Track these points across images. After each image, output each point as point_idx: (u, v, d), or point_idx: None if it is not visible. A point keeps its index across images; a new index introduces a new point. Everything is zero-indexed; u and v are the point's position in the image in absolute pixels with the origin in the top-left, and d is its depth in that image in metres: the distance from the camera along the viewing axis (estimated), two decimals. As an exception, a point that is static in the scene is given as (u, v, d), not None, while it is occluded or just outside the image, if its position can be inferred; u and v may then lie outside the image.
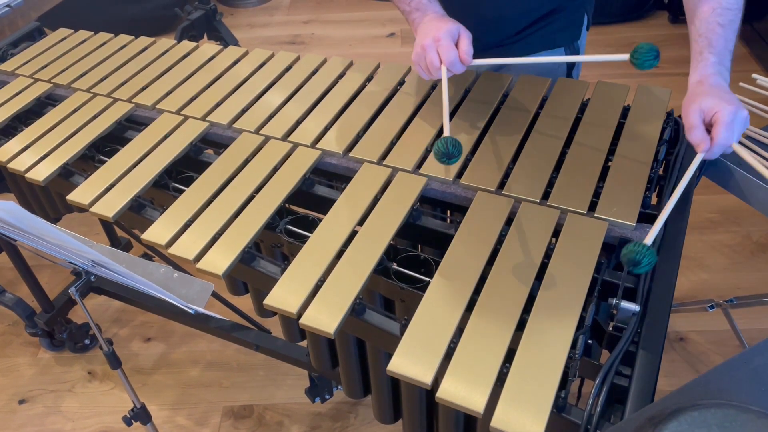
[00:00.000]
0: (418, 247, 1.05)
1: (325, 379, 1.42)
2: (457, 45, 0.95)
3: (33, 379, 1.78)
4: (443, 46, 0.94)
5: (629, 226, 0.87)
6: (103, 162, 1.11)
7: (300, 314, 0.80)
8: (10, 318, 1.94)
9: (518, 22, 1.16)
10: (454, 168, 0.98)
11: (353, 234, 0.90)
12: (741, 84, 1.37)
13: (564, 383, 0.70)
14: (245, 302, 1.36)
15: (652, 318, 0.76)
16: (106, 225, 1.94)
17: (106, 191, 1.04)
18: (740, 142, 1.21)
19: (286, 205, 0.99)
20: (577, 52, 1.22)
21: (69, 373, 1.79)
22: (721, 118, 0.81)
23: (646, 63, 0.80)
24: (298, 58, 1.32)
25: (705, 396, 0.56)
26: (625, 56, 0.83)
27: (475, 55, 1.11)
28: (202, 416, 1.66)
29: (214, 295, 1.46)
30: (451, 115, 1.10)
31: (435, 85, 1.18)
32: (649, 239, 0.74)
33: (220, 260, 0.88)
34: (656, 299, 0.78)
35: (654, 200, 0.94)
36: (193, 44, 1.41)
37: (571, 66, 1.23)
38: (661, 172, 1.00)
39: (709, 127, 0.83)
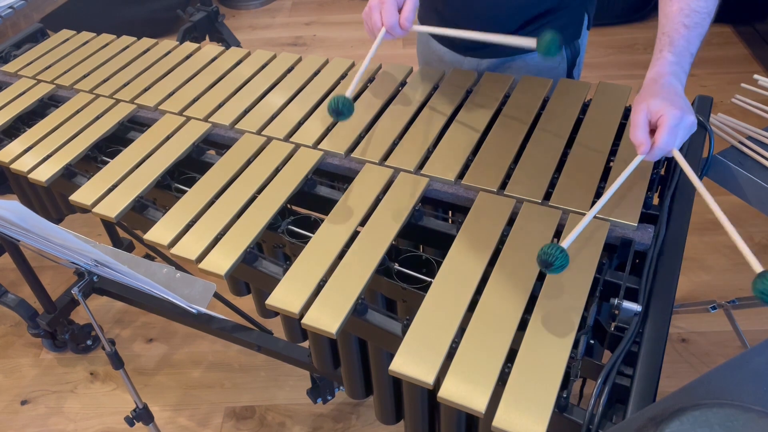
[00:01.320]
0: (419, 248, 1.05)
1: (326, 380, 1.42)
2: (400, 10, 1.01)
3: (35, 380, 1.78)
4: (386, 9, 1.00)
5: (631, 226, 0.87)
6: (105, 163, 1.11)
7: (302, 314, 0.80)
8: (12, 319, 1.95)
9: (516, 19, 1.16)
10: (456, 168, 0.98)
11: (355, 234, 0.90)
12: (743, 85, 1.37)
13: (566, 383, 0.70)
14: (247, 303, 1.36)
15: (654, 318, 0.76)
16: (109, 226, 1.94)
17: (108, 192, 1.04)
18: (741, 143, 1.22)
19: (288, 206, 1.00)
20: (578, 51, 1.22)
21: (71, 374, 1.79)
22: (665, 122, 0.79)
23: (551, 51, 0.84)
24: (299, 60, 1.32)
25: (707, 396, 0.56)
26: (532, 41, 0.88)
27: (475, 53, 1.12)
28: (204, 417, 1.66)
29: (216, 295, 1.46)
30: (453, 115, 1.11)
31: (437, 86, 1.19)
32: (565, 243, 0.75)
33: (222, 260, 0.88)
34: (658, 299, 0.78)
35: (656, 201, 0.94)
36: (195, 45, 1.42)
37: (571, 66, 1.23)
38: (662, 172, 1.00)
39: (654, 128, 0.82)
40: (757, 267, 0.69)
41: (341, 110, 0.92)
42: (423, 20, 1.28)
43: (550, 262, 0.71)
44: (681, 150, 0.98)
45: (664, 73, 0.86)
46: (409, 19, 1.00)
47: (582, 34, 1.22)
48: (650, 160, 0.83)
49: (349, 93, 0.96)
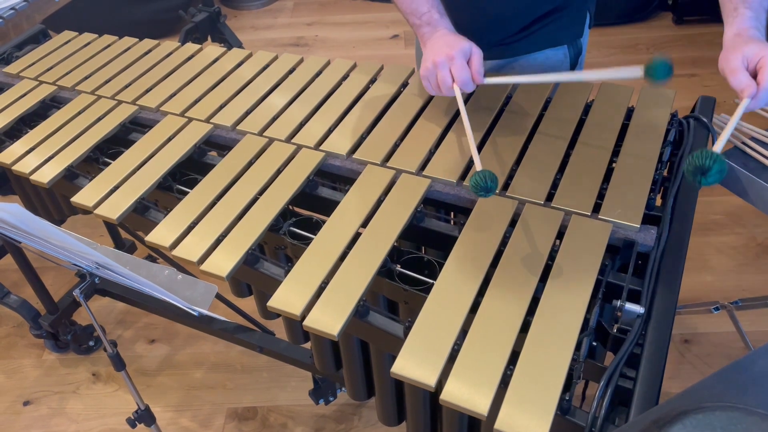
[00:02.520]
0: (421, 249, 1.05)
1: (328, 381, 1.42)
2: (468, 63, 0.93)
3: (37, 381, 1.78)
4: (456, 65, 0.92)
5: (633, 227, 0.86)
6: (107, 164, 1.11)
7: (304, 316, 0.80)
8: (14, 320, 1.95)
9: (521, 19, 1.15)
10: (458, 170, 0.98)
11: (357, 236, 0.89)
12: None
13: (568, 385, 0.70)
14: (249, 304, 1.36)
15: (656, 320, 0.75)
16: (111, 227, 1.94)
17: (110, 193, 1.04)
18: (745, 143, 1.21)
19: (290, 207, 0.99)
20: (579, 50, 1.22)
21: (73, 374, 1.79)
22: (767, 63, 0.76)
23: (659, 75, 0.76)
24: (301, 60, 1.32)
25: (710, 398, 0.56)
26: (638, 70, 0.79)
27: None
28: (206, 418, 1.66)
29: (218, 296, 1.46)
30: (455, 116, 1.10)
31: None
32: (718, 147, 0.69)
33: (224, 262, 0.88)
34: (661, 301, 0.77)
35: (658, 202, 0.94)
36: (197, 46, 1.42)
37: (574, 65, 1.23)
38: (665, 173, 1.00)
39: (753, 75, 0.78)
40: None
41: (490, 186, 0.80)
42: None
43: (708, 165, 0.65)
44: (684, 151, 0.98)
45: (746, 27, 0.83)
46: (481, 72, 0.92)
47: (584, 33, 1.21)
48: (755, 106, 0.78)
49: (478, 163, 0.85)
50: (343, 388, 1.43)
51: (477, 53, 0.94)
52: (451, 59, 0.92)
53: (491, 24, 1.17)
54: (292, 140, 1.10)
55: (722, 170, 0.65)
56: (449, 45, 0.93)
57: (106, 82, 1.32)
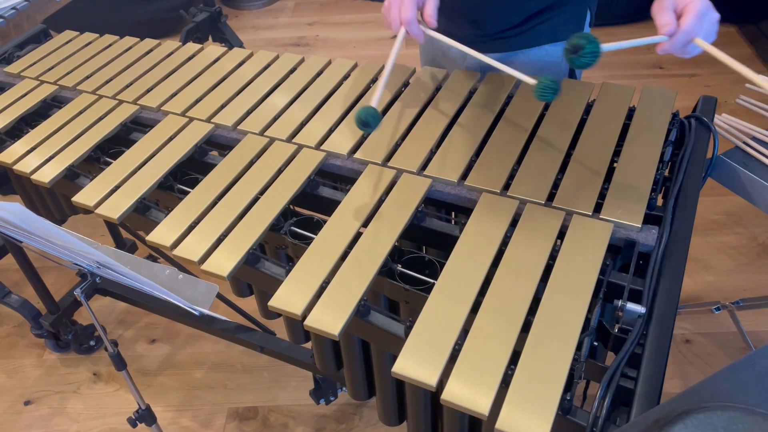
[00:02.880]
0: (422, 249, 1.05)
1: (329, 381, 1.42)
2: (422, 8, 0.96)
3: (38, 381, 1.78)
4: (405, 4, 0.94)
5: (635, 227, 0.86)
6: (108, 164, 1.11)
7: (305, 316, 0.80)
8: (15, 319, 1.95)
9: (520, 11, 1.16)
10: (459, 169, 0.98)
11: (358, 235, 0.89)
12: (747, 85, 1.36)
13: (569, 385, 0.70)
14: (249, 303, 1.36)
15: (658, 320, 0.75)
16: (111, 226, 1.94)
17: (111, 193, 1.04)
18: (746, 143, 1.21)
19: (291, 207, 0.99)
20: None
21: (74, 374, 1.79)
22: (692, 9, 0.78)
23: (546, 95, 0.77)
24: (302, 60, 1.32)
25: (711, 398, 0.56)
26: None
27: (478, 47, 1.12)
28: (206, 418, 1.66)
29: (219, 296, 1.47)
30: (456, 116, 1.10)
31: (440, 86, 1.18)
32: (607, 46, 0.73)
33: (224, 262, 0.88)
34: (662, 301, 0.77)
35: (660, 201, 0.94)
36: (198, 46, 1.42)
37: None
38: (666, 173, 1.00)
39: (679, 15, 0.79)
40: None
41: (368, 122, 0.88)
42: None
43: (580, 44, 0.70)
44: (686, 151, 0.98)
45: None
46: (433, 15, 0.94)
47: (585, 31, 1.21)
48: (671, 47, 0.80)
49: (375, 103, 0.92)
50: (344, 388, 1.43)
51: (430, 1, 0.97)
52: (402, 1, 0.95)
53: (490, 13, 1.17)
54: (293, 140, 1.10)
55: (595, 52, 0.70)
56: None
57: (107, 81, 1.32)
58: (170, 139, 1.14)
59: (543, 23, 1.17)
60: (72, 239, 0.83)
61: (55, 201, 1.36)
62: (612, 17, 3.13)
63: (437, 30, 1.12)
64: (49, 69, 1.39)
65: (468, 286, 0.80)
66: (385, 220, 0.91)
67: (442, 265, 0.84)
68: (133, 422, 1.33)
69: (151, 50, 1.43)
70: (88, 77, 1.35)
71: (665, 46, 0.80)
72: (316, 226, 0.95)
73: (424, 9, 0.96)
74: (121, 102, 1.26)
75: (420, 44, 1.39)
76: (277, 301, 0.82)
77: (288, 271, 0.86)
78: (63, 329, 1.76)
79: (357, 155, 1.04)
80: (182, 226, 0.95)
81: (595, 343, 0.78)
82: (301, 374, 1.72)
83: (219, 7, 2.36)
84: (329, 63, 1.30)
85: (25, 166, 1.13)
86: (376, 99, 0.93)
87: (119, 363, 1.20)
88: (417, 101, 1.15)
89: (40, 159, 1.13)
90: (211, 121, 1.17)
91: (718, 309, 1.62)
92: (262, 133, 1.12)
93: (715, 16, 0.80)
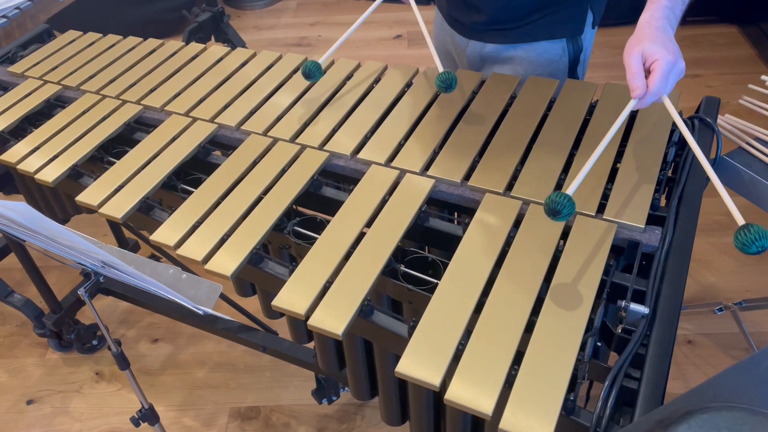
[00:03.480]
0: (425, 249, 1.05)
1: (331, 381, 1.42)
2: None
3: (41, 380, 1.79)
4: None
5: (638, 228, 0.86)
6: (112, 163, 1.11)
7: (308, 315, 0.80)
8: (18, 319, 1.95)
9: (516, 9, 1.17)
10: (462, 169, 0.98)
11: (361, 236, 0.90)
12: (750, 86, 1.36)
13: (573, 386, 0.70)
14: (251, 303, 1.36)
15: (661, 320, 0.75)
16: (114, 226, 1.94)
17: (115, 192, 1.04)
18: (749, 144, 1.21)
19: (294, 207, 1.00)
20: (580, 48, 1.23)
21: (77, 373, 1.80)
22: (659, 67, 0.83)
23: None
24: (305, 60, 1.32)
25: (715, 399, 0.56)
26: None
27: (479, 35, 1.24)
28: (209, 417, 1.66)
29: (221, 296, 1.46)
30: (459, 116, 1.10)
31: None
32: (570, 190, 0.77)
33: (228, 261, 0.88)
34: (665, 301, 0.77)
35: (663, 202, 0.94)
36: (201, 46, 1.42)
37: (574, 62, 1.23)
38: (670, 173, 1.00)
39: (647, 73, 0.85)
40: (740, 220, 0.74)
41: (309, 73, 1.13)
42: (439, 3, 1.33)
43: (558, 210, 0.74)
44: (689, 152, 0.98)
45: (658, 17, 0.89)
46: None
47: (585, 31, 1.22)
48: (641, 106, 0.86)
49: (322, 60, 1.17)
50: (346, 388, 1.43)
51: None
52: None
53: (487, 14, 1.19)
54: (297, 140, 1.10)
55: (571, 211, 0.75)
56: None
57: (111, 81, 1.33)
58: (174, 139, 1.14)
59: (542, 18, 1.18)
60: (77, 239, 0.83)
61: (58, 200, 1.36)
62: (615, 17, 3.12)
63: (442, 14, 1.28)
64: (53, 69, 1.40)
65: (471, 287, 0.80)
66: (388, 220, 0.91)
67: (445, 266, 0.84)
68: (136, 421, 1.33)
69: (154, 50, 1.43)
70: (91, 77, 1.35)
71: (637, 105, 0.86)
72: (319, 226, 0.95)
73: None
74: (124, 102, 1.26)
75: (434, 30, 1.40)
76: (280, 301, 0.82)
77: (291, 271, 0.86)
78: (65, 328, 1.76)
79: (360, 155, 1.04)
80: (186, 225, 0.95)
81: (599, 344, 0.78)
82: (303, 374, 1.72)
83: (221, 7, 2.36)
84: (333, 63, 1.30)
85: (28, 166, 1.13)
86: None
87: (122, 362, 1.20)
88: (420, 101, 1.15)
89: (43, 159, 1.14)
90: (215, 121, 1.17)
91: (720, 310, 1.62)
92: (265, 133, 1.12)
93: (682, 66, 0.85)
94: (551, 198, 0.75)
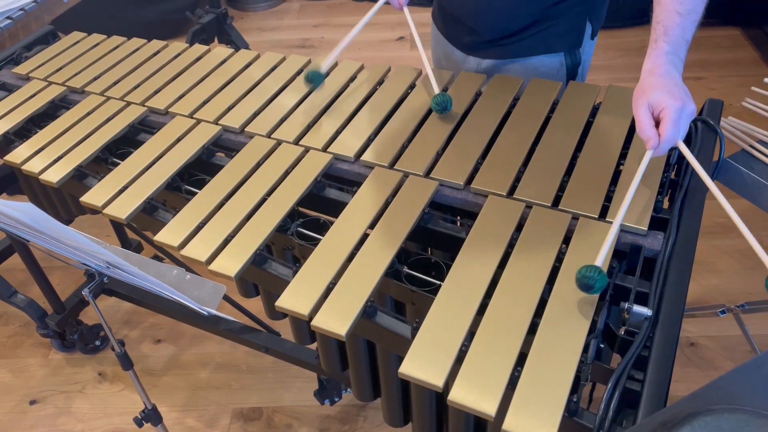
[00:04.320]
0: (428, 251, 1.05)
1: (334, 382, 1.42)
2: None
3: (44, 380, 1.79)
4: None
5: (641, 231, 0.86)
6: (116, 164, 1.12)
7: (311, 316, 0.80)
8: (21, 319, 1.96)
9: (515, 21, 1.17)
10: (465, 172, 0.99)
11: (364, 237, 0.90)
12: (753, 88, 1.36)
13: (576, 387, 0.70)
14: (254, 304, 1.37)
15: (664, 322, 0.75)
16: (117, 227, 1.95)
17: (119, 193, 1.04)
18: (752, 146, 1.21)
19: (298, 208, 1.00)
20: (578, 60, 1.23)
21: (80, 374, 1.80)
22: (668, 115, 0.83)
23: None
24: (309, 62, 1.32)
25: (718, 401, 0.56)
26: None
27: (476, 52, 1.25)
28: (211, 418, 1.66)
29: (224, 297, 1.47)
30: (462, 118, 1.11)
31: (446, 89, 1.19)
32: (599, 261, 0.77)
33: (232, 262, 0.89)
34: (669, 304, 0.78)
35: (666, 204, 0.94)
36: (205, 48, 1.42)
37: (572, 74, 1.23)
38: (673, 176, 1.00)
39: (657, 122, 0.85)
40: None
41: (311, 80, 1.16)
42: (434, 15, 1.34)
43: (591, 284, 0.74)
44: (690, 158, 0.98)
45: (660, 63, 0.87)
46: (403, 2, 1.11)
47: (583, 44, 1.21)
48: (659, 154, 0.86)
49: (324, 67, 1.21)
50: (349, 389, 1.43)
51: None
52: None
53: (486, 22, 1.19)
54: (300, 142, 1.10)
55: (603, 285, 0.75)
56: None
57: (115, 83, 1.33)
58: (178, 140, 1.14)
59: (538, 33, 1.17)
60: (83, 239, 0.83)
61: (62, 201, 1.36)
62: (618, 20, 3.13)
63: (440, 31, 1.29)
64: (57, 70, 1.40)
65: (474, 288, 0.80)
66: (391, 221, 0.91)
67: (448, 267, 0.84)
68: (139, 422, 1.33)
69: (158, 52, 1.43)
70: (95, 78, 1.35)
71: (653, 154, 0.86)
72: (322, 228, 0.95)
73: None
74: (129, 104, 1.27)
75: (432, 43, 1.41)
76: (284, 302, 0.82)
77: (295, 272, 0.86)
78: (69, 329, 1.77)
79: (363, 158, 1.05)
80: (189, 226, 0.95)
81: (602, 346, 0.79)
82: (305, 375, 1.72)
83: (225, 9, 2.36)
84: (336, 65, 1.30)
85: (33, 167, 1.13)
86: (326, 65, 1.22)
87: (126, 362, 1.21)
88: (423, 104, 1.15)
89: (48, 159, 1.14)
90: (219, 123, 1.18)
91: (723, 312, 1.61)
92: (269, 135, 1.13)
93: (692, 108, 0.84)
94: (582, 273, 0.74)
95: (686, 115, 0.84)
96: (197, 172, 1.11)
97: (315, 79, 1.16)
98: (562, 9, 1.15)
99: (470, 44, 1.25)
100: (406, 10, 1.20)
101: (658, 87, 0.84)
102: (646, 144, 0.85)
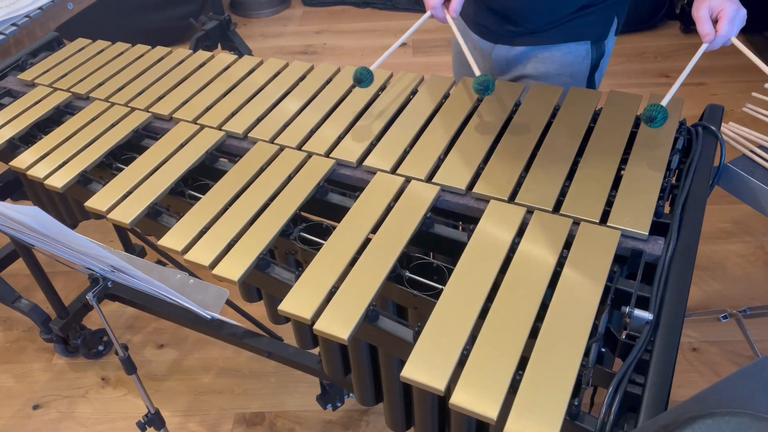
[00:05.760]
0: (430, 255, 1.05)
1: (336, 387, 1.42)
2: (449, 2, 1.11)
3: (47, 385, 1.80)
4: None
5: (642, 235, 0.87)
6: (120, 170, 1.13)
7: (314, 320, 0.80)
8: (25, 324, 1.97)
9: (555, 13, 1.20)
10: (467, 177, 0.99)
11: (367, 242, 0.90)
12: (754, 94, 1.37)
13: (577, 391, 0.70)
14: (257, 309, 1.37)
15: (665, 326, 0.76)
16: (121, 232, 1.96)
17: (123, 198, 1.05)
18: (752, 151, 1.22)
19: (300, 213, 1.00)
20: (603, 52, 1.26)
21: (83, 379, 1.81)
22: (725, 15, 0.97)
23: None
24: (312, 68, 1.33)
25: (719, 404, 0.56)
26: None
27: (506, 40, 1.28)
28: (214, 423, 1.66)
29: (227, 301, 1.47)
30: (464, 123, 1.11)
31: (447, 95, 1.19)
32: (665, 101, 0.95)
33: (235, 267, 0.89)
34: (669, 308, 0.78)
35: (667, 209, 0.94)
36: (208, 54, 1.43)
37: (595, 65, 1.26)
38: (673, 181, 1.00)
39: (714, 23, 0.98)
40: None
41: (361, 78, 1.11)
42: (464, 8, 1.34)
43: (654, 116, 0.93)
44: (693, 159, 0.99)
45: None
46: (456, 10, 1.11)
47: (609, 37, 1.24)
48: (713, 48, 1.01)
49: (374, 67, 1.16)
50: (351, 394, 1.43)
51: None
52: None
53: (526, 14, 1.21)
54: (303, 148, 1.11)
55: (665, 117, 0.94)
56: None
57: (120, 89, 1.34)
58: (182, 146, 1.15)
59: (571, 21, 1.21)
60: (88, 244, 0.84)
61: (66, 206, 1.37)
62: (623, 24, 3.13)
63: (468, 19, 1.33)
64: (62, 76, 1.41)
65: (476, 292, 0.81)
66: (393, 226, 0.92)
67: (450, 271, 0.84)
68: (142, 426, 1.34)
69: (162, 58, 1.44)
70: (100, 85, 1.36)
71: (708, 48, 1.01)
72: (325, 232, 0.96)
73: (450, 4, 1.11)
74: (133, 109, 1.28)
75: (452, 44, 1.42)
76: (286, 306, 0.83)
77: (298, 276, 0.86)
78: (72, 334, 1.77)
79: (366, 163, 1.05)
80: (193, 231, 0.96)
81: (603, 349, 0.79)
82: (308, 380, 1.73)
83: (228, 15, 2.38)
84: (338, 71, 1.31)
85: (38, 172, 1.14)
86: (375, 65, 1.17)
87: (129, 367, 1.21)
88: (425, 109, 1.16)
89: (53, 165, 1.15)
90: (222, 128, 1.18)
91: (725, 317, 1.62)
92: (272, 140, 1.14)
93: (744, 12, 0.99)
94: (648, 108, 0.93)
95: (739, 17, 0.98)
96: (201, 177, 1.12)
97: (365, 79, 1.14)
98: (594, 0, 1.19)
99: (501, 32, 1.27)
100: (450, 21, 1.15)
101: None
102: (704, 38, 0.98)
